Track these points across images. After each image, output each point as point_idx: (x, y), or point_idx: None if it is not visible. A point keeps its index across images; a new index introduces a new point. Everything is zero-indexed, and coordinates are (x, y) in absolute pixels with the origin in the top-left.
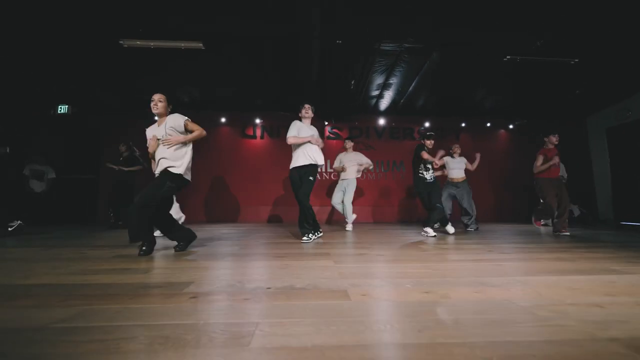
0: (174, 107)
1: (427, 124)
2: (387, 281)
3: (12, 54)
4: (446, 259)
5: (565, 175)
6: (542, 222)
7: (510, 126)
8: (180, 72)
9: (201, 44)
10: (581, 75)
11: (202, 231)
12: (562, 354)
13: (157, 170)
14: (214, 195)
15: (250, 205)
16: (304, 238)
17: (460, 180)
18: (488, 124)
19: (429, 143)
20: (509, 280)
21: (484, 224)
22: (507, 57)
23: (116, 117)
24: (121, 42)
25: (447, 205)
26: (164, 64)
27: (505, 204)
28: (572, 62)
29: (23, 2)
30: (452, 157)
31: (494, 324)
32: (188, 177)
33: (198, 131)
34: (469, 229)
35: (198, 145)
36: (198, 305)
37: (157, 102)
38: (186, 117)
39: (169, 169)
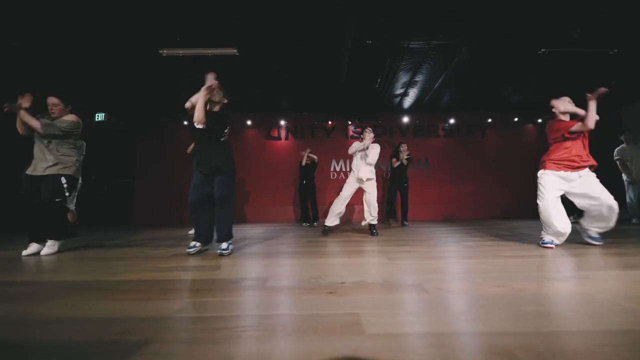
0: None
1: (452, 121)
2: (453, 276)
3: (56, 64)
4: (497, 254)
5: None
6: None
7: (539, 120)
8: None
9: (235, 50)
10: (617, 65)
11: (236, 231)
12: None
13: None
14: (239, 195)
15: (277, 205)
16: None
17: None
18: (515, 119)
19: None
20: (575, 274)
21: (509, 221)
22: (542, 50)
23: (149, 121)
24: (161, 51)
25: None
26: (197, 68)
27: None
28: (612, 53)
29: (66, 16)
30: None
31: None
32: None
33: None
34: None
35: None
36: (289, 298)
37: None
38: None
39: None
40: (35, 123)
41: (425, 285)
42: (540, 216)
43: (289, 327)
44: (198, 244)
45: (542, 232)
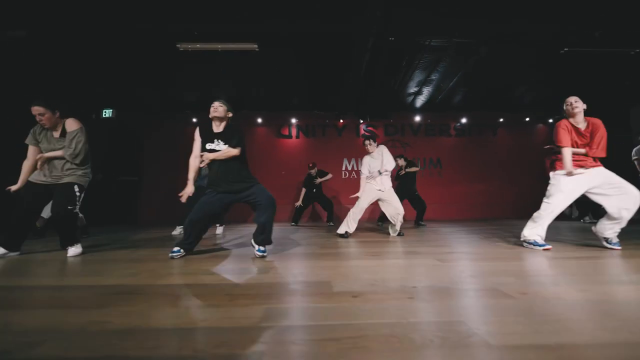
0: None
1: (463, 120)
2: (526, 280)
3: (61, 57)
4: (546, 255)
5: None
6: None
7: (550, 120)
8: (220, 70)
9: (256, 45)
10: (630, 65)
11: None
12: None
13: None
14: None
15: (288, 204)
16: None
17: None
18: (527, 119)
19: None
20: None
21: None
22: (565, 49)
23: (153, 118)
24: (178, 45)
25: None
26: (208, 63)
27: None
28: (633, 53)
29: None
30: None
31: None
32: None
33: None
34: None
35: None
36: (372, 304)
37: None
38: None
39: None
40: (57, 154)
41: (505, 289)
42: (542, 213)
43: (403, 338)
44: (182, 250)
45: (530, 232)
